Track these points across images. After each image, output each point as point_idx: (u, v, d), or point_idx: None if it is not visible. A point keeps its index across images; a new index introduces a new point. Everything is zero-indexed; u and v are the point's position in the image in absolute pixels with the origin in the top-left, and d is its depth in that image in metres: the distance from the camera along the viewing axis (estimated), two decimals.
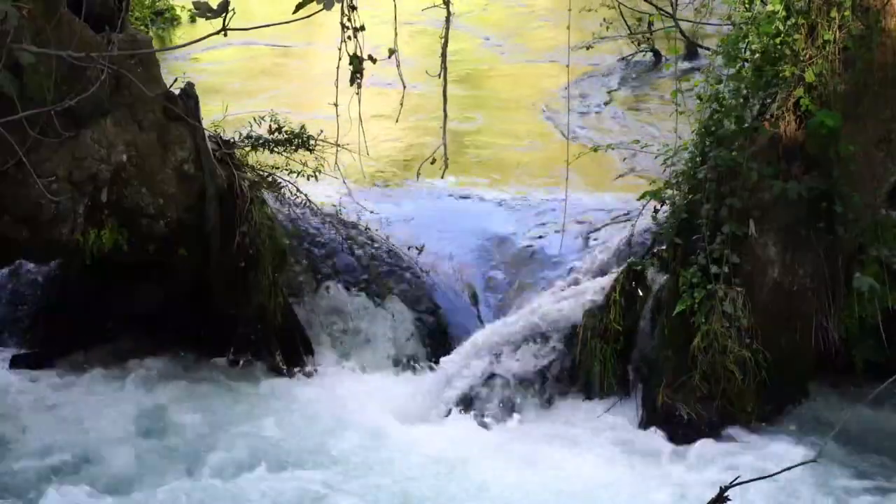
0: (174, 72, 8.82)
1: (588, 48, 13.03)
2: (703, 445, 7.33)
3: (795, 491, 6.76)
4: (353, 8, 6.23)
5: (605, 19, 12.75)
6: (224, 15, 3.74)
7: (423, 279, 8.62)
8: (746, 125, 7.36)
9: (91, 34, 7.14)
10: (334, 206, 8.84)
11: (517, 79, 13.61)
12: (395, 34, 6.37)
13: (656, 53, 13.56)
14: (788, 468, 4.72)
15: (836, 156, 7.16)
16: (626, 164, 9.87)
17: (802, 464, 4.59)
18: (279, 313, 8.20)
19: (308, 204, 8.63)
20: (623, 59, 13.50)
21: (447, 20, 6.54)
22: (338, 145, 7.51)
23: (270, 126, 8.47)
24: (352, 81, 6.28)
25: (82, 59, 5.96)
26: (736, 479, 3.79)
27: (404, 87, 6.52)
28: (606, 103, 12.34)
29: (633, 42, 13.50)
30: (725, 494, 3.77)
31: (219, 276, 8.08)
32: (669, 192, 7.79)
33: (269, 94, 12.31)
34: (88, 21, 7.07)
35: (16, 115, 5.19)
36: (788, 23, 7.16)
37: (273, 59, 14.47)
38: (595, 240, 8.81)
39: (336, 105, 6.40)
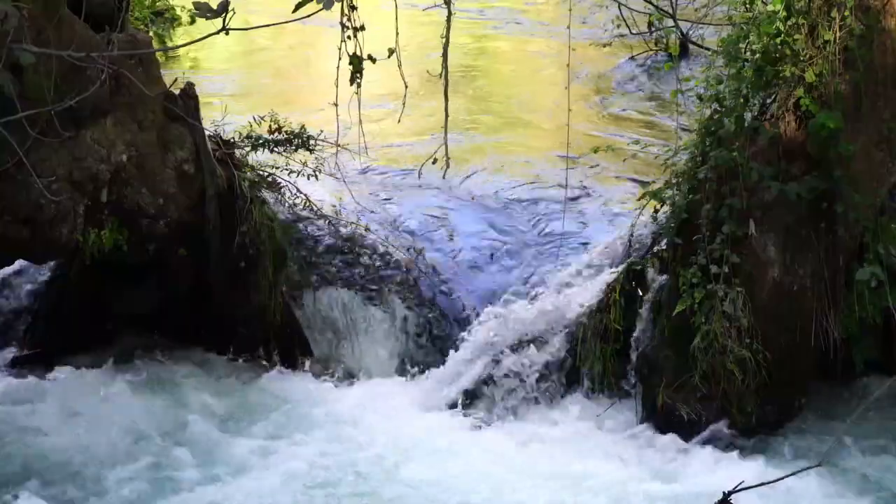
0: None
1: (605, 46, 12.93)
2: (704, 446, 7.34)
3: (797, 495, 6.75)
4: (353, 8, 6.23)
5: (616, 17, 12.61)
6: (224, 15, 3.74)
7: (423, 280, 8.61)
8: (746, 125, 7.36)
9: (91, 34, 7.15)
10: (334, 206, 8.83)
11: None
12: (396, 34, 6.37)
13: (669, 55, 13.29)
14: (792, 474, 4.72)
15: (837, 156, 7.16)
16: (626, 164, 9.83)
17: (807, 468, 4.57)
18: (279, 313, 8.20)
19: (308, 204, 8.63)
20: (632, 58, 13.30)
21: (448, 20, 6.54)
22: (338, 145, 7.51)
23: (270, 126, 8.47)
24: (352, 81, 6.28)
25: (82, 59, 5.96)
26: (739, 484, 3.79)
27: (406, 86, 6.52)
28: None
29: (646, 42, 13.24)
30: (728, 500, 3.77)
31: (219, 276, 8.08)
32: (669, 192, 7.79)
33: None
34: (88, 21, 7.08)
35: (16, 115, 5.20)
36: (789, 23, 7.15)
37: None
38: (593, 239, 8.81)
39: (336, 105, 6.41)
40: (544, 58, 13.62)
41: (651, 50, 13.22)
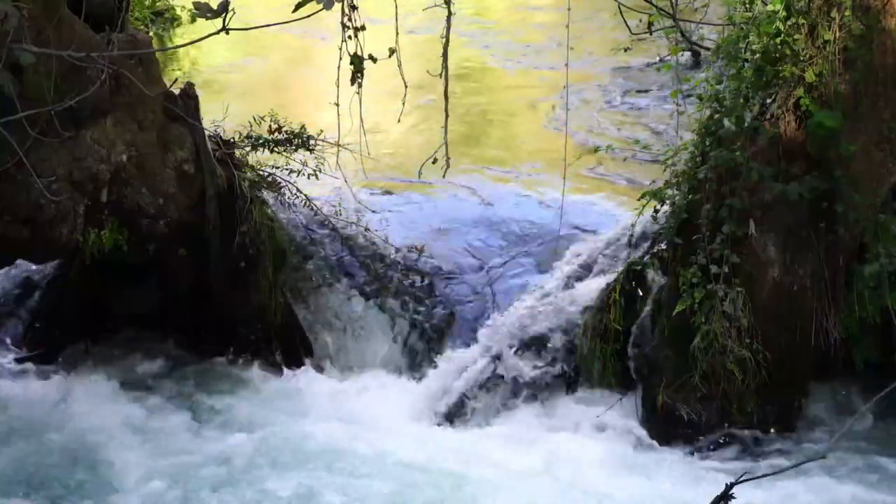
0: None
1: (626, 50, 12.82)
2: (704, 446, 7.34)
3: (797, 492, 6.76)
4: (353, 7, 6.22)
5: (640, 20, 12.48)
6: (224, 15, 3.74)
7: (423, 280, 8.61)
8: (746, 125, 7.36)
9: (91, 34, 7.15)
10: (334, 206, 8.84)
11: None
12: (396, 33, 6.37)
13: (695, 53, 13.04)
14: (795, 465, 4.73)
15: (837, 156, 7.16)
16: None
17: (810, 460, 4.55)
18: (279, 313, 8.21)
19: (308, 204, 8.63)
20: (660, 60, 13.01)
21: (448, 19, 6.53)
22: (338, 145, 7.51)
23: (270, 126, 8.47)
24: (353, 81, 6.27)
25: (82, 59, 5.96)
26: (742, 475, 3.78)
27: (405, 86, 6.52)
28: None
29: (670, 42, 12.97)
30: (731, 493, 3.76)
31: (219, 276, 8.08)
32: (669, 192, 7.79)
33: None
34: (88, 21, 7.08)
35: (16, 115, 5.20)
36: (789, 23, 7.15)
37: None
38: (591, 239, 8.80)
39: (337, 105, 6.41)
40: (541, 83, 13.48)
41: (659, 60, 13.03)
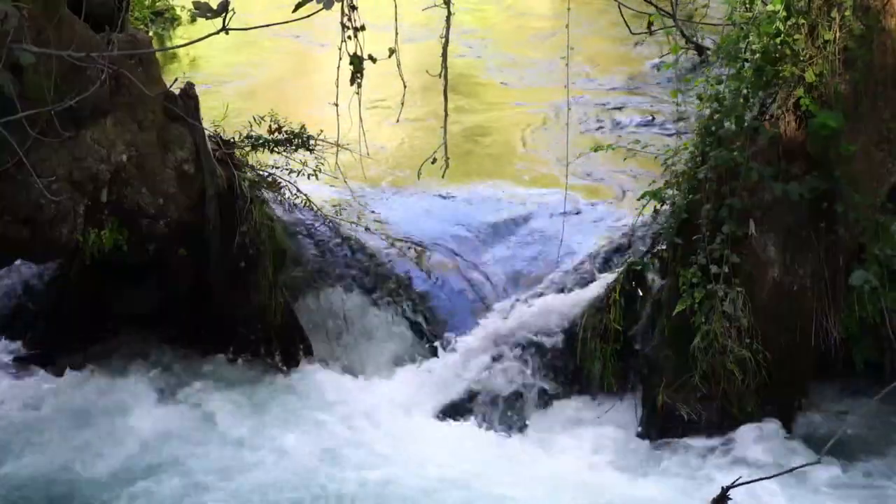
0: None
1: (636, 45, 12.74)
2: (704, 446, 7.34)
3: (796, 492, 6.77)
4: (353, 8, 6.23)
5: (641, 23, 12.38)
6: (224, 15, 3.75)
7: (423, 279, 8.62)
8: (746, 125, 7.36)
9: (91, 34, 7.15)
10: (334, 205, 8.84)
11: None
12: (396, 33, 6.38)
13: (699, 50, 12.87)
14: (791, 469, 4.73)
15: (837, 156, 7.17)
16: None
17: (805, 465, 4.57)
18: (279, 313, 8.21)
19: (308, 204, 8.64)
20: (662, 57, 12.85)
21: (447, 19, 6.55)
22: (338, 145, 7.52)
23: (270, 126, 8.48)
24: (352, 81, 6.28)
25: (82, 59, 5.97)
26: (738, 479, 3.80)
27: (405, 85, 6.54)
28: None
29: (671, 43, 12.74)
30: (727, 495, 3.78)
31: (219, 276, 8.09)
32: (669, 192, 7.79)
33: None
34: (88, 21, 7.08)
35: (16, 115, 5.21)
36: (789, 23, 7.15)
37: None
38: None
39: (336, 105, 6.42)
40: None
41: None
